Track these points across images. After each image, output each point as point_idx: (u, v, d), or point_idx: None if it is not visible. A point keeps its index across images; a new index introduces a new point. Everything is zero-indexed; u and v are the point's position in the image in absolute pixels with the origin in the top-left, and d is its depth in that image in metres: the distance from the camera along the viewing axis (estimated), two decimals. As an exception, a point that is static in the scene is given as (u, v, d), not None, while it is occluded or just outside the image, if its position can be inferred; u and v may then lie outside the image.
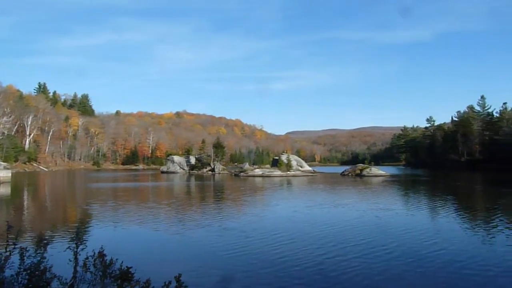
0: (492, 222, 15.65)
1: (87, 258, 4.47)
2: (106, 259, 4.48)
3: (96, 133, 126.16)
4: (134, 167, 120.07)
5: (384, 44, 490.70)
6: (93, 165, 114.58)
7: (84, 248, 4.55)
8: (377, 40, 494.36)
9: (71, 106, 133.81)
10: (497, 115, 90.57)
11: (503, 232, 13.36)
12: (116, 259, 4.26)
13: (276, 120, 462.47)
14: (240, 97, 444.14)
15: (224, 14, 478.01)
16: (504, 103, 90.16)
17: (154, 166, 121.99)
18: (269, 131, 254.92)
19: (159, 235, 13.53)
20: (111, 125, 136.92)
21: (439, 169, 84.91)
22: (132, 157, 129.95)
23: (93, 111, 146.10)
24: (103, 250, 4.52)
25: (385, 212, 18.65)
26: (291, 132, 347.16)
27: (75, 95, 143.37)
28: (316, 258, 9.93)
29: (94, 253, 4.53)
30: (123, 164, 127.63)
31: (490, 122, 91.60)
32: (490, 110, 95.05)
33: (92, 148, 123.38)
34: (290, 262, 9.67)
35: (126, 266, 4.12)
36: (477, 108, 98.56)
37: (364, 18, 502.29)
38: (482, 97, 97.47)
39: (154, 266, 9.26)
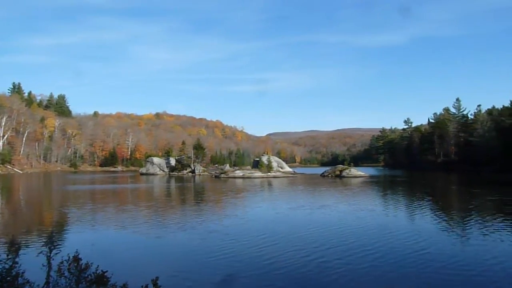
0: (468, 222, 16.05)
1: (61, 262, 4.36)
2: (82, 263, 4.37)
3: (73, 134, 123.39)
4: (112, 169, 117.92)
5: (363, 48, 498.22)
6: (70, 167, 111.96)
7: (58, 253, 4.43)
8: (355, 43, 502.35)
9: (47, 107, 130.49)
10: (472, 117, 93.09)
11: (478, 232, 13.69)
12: (91, 263, 4.16)
13: (256, 121, 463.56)
14: (220, 98, 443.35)
15: (203, 15, 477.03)
16: (478, 106, 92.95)
17: (133, 168, 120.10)
18: (249, 133, 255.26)
19: (138, 238, 13.28)
20: (88, 126, 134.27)
21: (416, 170, 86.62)
22: (110, 159, 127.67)
23: (70, 112, 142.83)
24: (78, 254, 4.41)
25: (366, 213, 18.87)
26: (271, 133, 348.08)
27: (51, 96, 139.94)
28: (300, 260, 9.90)
29: (69, 257, 4.41)
30: (101, 166, 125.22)
31: (465, 124, 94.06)
32: (465, 112, 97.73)
33: (69, 150, 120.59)
34: (274, 265, 9.62)
35: (102, 270, 4.03)
36: (453, 110, 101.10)
37: (343, 22, 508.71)
38: (457, 99, 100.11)
39: (132, 269, 9.11)
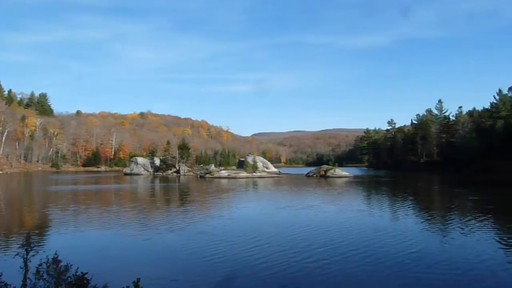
0: (451, 222, 16.34)
1: (40, 264, 4.24)
2: (61, 265, 4.26)
3: (55, 133, 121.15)
4: (95, 169, 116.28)
5: (347, 49, 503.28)
6: (51, 167, 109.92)
7: (35, 254, 4.31)
8: (340, 44, 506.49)
9: (28, 106, 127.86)
10: (453, 118, 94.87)
11: (461, 232, 13.92)
12: (71, 265, 4.06)
13: (242, 121, 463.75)
14: (205, 98, 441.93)
15: (188, 15, 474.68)
16: (460, 107, 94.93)
17: (117, 168, 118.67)
18: (235, 133, 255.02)
19: (122, 239, 13.09)
20: (71, 126, 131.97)
21: (400, 170, 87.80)
22: (93, 159, 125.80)
23: (51, 111, 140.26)
24: (57, 256, 4.30)
25: (351, 213, 19.02)
26: (257, 133, 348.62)
27: (32, 94, 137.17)
28: (290, 261, 9.83)
29: (48, 259, 4.30)
30: (84, 166, 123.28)
31: (446, 125, 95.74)
32: (446, 114, 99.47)
33: (51, 150, 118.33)
34: (264, 265, 9.56)
35: (81, 272, 3.93)
36: (435, 111, 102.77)
37: (327, 23, 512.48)
38: (440, 101, 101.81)
39: (114, 271, 8.96)
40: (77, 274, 3.96)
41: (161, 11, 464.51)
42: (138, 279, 3.77)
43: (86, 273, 3.94)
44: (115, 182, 53.79)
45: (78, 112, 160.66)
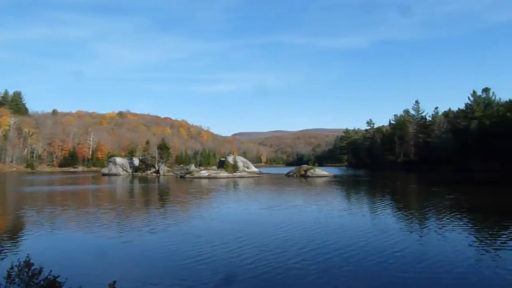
0: (430, 221, 16.65)
1: (11, 268, 4.08)
2: (34, 269, 4.11)
3: (30, 133, 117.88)
4: (72, 170, 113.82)
5: (327, 50, 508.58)
6: (26, 167, 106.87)
7: (4, 258, 4.14)
8: (320, 45, 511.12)
9: (1, 104, 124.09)
10: (430, 119, 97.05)
11: (439, 231, 14.19)
12: (42, 268, 3.90)
13: (222, 121, 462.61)
14: (185, 98, 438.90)
15: (168, 14, 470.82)
16: (436, 108, 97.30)
17: (95, 168, 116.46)
18: (215, 132, 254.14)
19: (99, 241, 12.76)
20: (47, 125, 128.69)
21: (378, 169, 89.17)
22: (70, 159, 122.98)
23: (26, 109, 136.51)
24: (30, 259, 4.14)
25: (334, 213, 19.08)
26: (237, 133, 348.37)
27: (6, 92, 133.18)
28: (278, 262, 9.70)
29: (20, 262, 4.14)
30: (60, 166, 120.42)
31: (423, 125, 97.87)
32: (423, 114, 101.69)
33: (26, 150, 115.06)
34: (251, 266, 9.46)
35: (53, 275, 3.78)
36: (412, 112, 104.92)
37: (307, 24, 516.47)
38: (417, 102, 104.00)
39: (89, 274, 8.72)
40: (49, 277, 3.81)
41: (142, 10, 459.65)
42: (114, 282, 3.66)
43: (58, 276, 3.80)
44: (93, 183, 52.76)
45: (54, 111, 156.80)
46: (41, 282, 3.77)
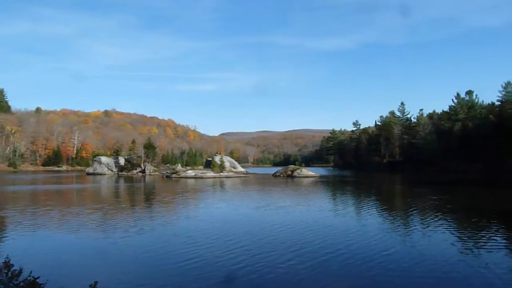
0: (416, 221, 16.88)
1: (-10, 269, 3.98)
2: (14, 270, 4.02)
3: (13, 131, 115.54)
4: (56, 169, 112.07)
5: (314, 51, 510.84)
6: (8, 166, 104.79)
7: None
8: (307, 46, 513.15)
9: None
10: (415, 120, 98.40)
11: (423, 232, 14.40)
12: (22, 269, 3.83)
13: (209, 121, 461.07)
14: (171, 97, 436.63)
15: (154, 12, 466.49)
16: (421, 110, 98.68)
17: (79, 168, 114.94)
18: (202, 132, 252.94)
19: (83, 242, 12.54)
20: (30, 123, 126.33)
21: (364, 170, 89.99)
22: (54, 158, 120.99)
23: (9, 107, 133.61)
24: (9, 260, 4.05)
25: (322, 214, 19.15)
26: (224, 133, 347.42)
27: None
28: (270, 263, 9.64)
29: (-1, 263, 4.05)
30: (44, 165, 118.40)
31: (408, 126, 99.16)
32: (408, 116, 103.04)
33: (8, 148, 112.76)
34: (240, 265, 9.42)
35: (33, 277, 3.72)
36: (398, 113, 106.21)
37: (294, 25, 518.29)
38: (402, 103, 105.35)
39: (71, 275, 8.58)
40: (29, 278, 3.74)
41: (128, 7, 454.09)
42: (96, 282, 3.61)
43: (38, 277, 3.73)
44: (77, 182, 52.04)
45: (38, 109, 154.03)
46: (21, 284, 3.70)
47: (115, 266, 9.78)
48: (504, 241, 12.09)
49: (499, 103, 72.46)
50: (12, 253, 4.39)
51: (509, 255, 10.42)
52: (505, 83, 74.59)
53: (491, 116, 70.29)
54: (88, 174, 75.79)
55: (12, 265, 4.06)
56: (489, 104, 77.84)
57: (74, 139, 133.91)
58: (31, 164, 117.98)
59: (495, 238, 12.45)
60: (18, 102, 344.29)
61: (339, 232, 13.74)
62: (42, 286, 3.68)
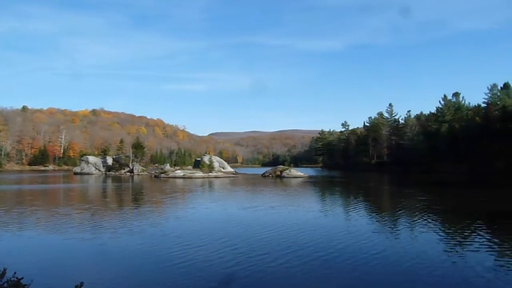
0: (406, 222, 17.06)
1: (-27, 270, 3.91)
2: (-3, 270, 3.96)
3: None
4: (43, 168, 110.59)
5: (303, 52, 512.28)
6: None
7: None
8: (296, 47, 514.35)
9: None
10: (403, 121, 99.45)
11: (410, 232, 14.56)
12: (6, 269, 3.77)
13: (199, 121, 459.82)
14: (161, 96, 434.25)
15: (143, 11, 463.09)
16: (408, 111, 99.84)
17: (66, 167, 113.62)
18: (191, 132, 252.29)
19: (69, 242, 12.32)
20: (16, 122, 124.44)
21: (352, 171, 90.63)
22: (41, 157, 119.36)
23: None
24: (-8, 260, 3.99)
25: (313, 214, 19.23)
26: (214, 133, 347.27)
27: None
28: (257, 263, 9.65)
29: (-19, 263, 3.98)
30: (30, 164, 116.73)
31: (396, 128, 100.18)
32: (397, 117, 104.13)
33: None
34: (221, 266, 9.38)
35: (17, 277, 3.66)
36: (386, 114, 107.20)
37: (283, 26, 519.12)
38: (390, 104, 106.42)
39: (57, 276, 8.46)
40: (13, 279, 3.68)
41: (116, 6, 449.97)
42: (82, 283, 3.58)
43: (22, 278, 3.68)
44: (64, 182, 51.42)
45: (24, 108, 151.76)
46: (5, 284, 3.64)
47: (102, 267, 9.67)
48: (488, 241, 12.28)
49: (485, 105, 73.65)
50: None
51: (493, 255, 10.60)
52: (491, 85, 75.96)
53: (477, 118, 71.43)
54: (75, 173, 74.97)
55: (-4, 266, 4.00)
56: (475, 106, 79.06)
57: (61, 138, 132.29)
58: (17, 163, 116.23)
59: (480, 238, 12.64)
60: (4, 101, 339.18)
61: (329, 233, 13.76)
62: (26, 286, 3.63)
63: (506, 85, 74.78)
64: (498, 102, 70.40)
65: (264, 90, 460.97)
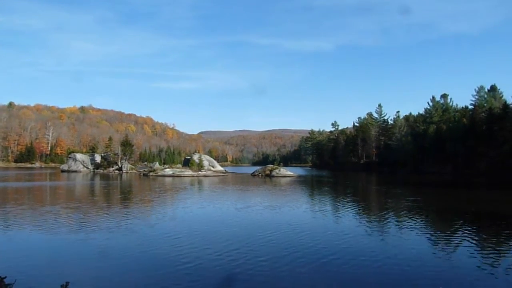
0: (388, 222, 17.19)
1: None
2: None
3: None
4: (29, 165, 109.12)
5: (292, 51, 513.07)
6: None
7: None
8: (285, 47, 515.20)
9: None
10: (392, 122, 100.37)
11: (398, 232, 14.70)
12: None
13: (188, 119, 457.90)
14: (150, 94, 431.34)
15: (133, 7, 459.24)
16: (397, 112, 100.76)
17: (53, 165, 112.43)
18: (181, 130, 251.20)
19: (56, 241, 12.17)
20: (2, 118, 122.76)
21: (341, 170, 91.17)
22: (27, 154, 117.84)
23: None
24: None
25: (301, 214, 19.40)
26: (203, 132, 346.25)
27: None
28: (248, 263, 9.67)
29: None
30: (16, 162, 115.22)
31: (385, 128, 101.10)
32: (386, 118, 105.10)
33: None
34: (211, 266, 9.38)
35: (0, 276, 3.64)
36: (375, 115, 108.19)
37: (273, 25, 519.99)
38: (379, 105, 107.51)
39: (42, 275, 8.36)
40: (-5, 278, 3.66)
41: (105, 2, 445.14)
42: (67, 283, 3.56)
43: (5, 277, 3.65)
44: (51, 179, 50.79)
45: (11, 104, 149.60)
46: (-14, 284, 3.62)
47: (88, 266, 9.55)
48: (473, 240, 12.49)
49: (472, 107, 74.75)
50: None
51: (478, 254, 10.78)
52: (478, 87, 77.20)
53: (464, 120, 72.45)
54: (63, 171, 74.15)
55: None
56: (462, 107, 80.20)
57: (49, 135, 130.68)
58: (2, 160, 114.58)
59: (465, 237, 12.85)
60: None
61: (314, 232, 13.86)
62: (9, 286, 3.61)
63: (493, 87, 76.07)
64: (485, 104, 71.54)
65: (254, 89, 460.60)
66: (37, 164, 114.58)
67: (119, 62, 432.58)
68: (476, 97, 76.79)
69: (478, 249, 11.45)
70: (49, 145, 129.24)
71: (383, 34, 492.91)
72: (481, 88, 76.64)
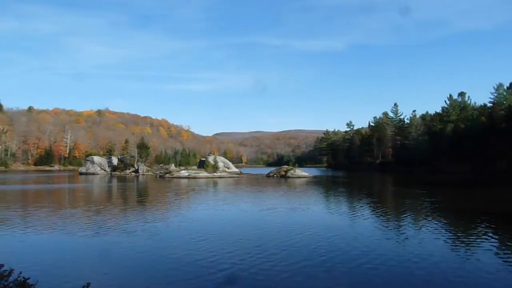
0: (406, 223, 16.98)
1: (-20, 270, 3.96)
2: (4, 270, 4.01)
3: (4, 130, 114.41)
4: (48, 168, 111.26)
5: (303, 52, 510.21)
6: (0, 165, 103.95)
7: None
8: (297, 47, 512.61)
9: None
10: (408, 121, 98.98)
11: (415, 232, 14.52)
12: (12, 269, 3.81)
13: (203, 121, 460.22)
14: (164, 96, 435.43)
15: (144, 10, 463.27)
16: (414, 111, 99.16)
17: (71, 167, 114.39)
18: (196, 132, 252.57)
19: (75, 243, 12.39)
20: (21, 122, 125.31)
21: (356, 171, 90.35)
22: (46, 157, 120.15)
23: (0, 106, 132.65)
24: (-2, 260, 4.04)
25: (316, 214, 19.32)
26: (218, 133, 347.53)
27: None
28: (260, 263, 9.66)
29: (-13, 264, 4.03)
30: (35, 164, 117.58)
31: (401, 127, 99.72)
32: (402, 117, 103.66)
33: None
34: (227, 267, 9.40)
35: (23, 277, 3.70)
36: (391, 114, 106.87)
37: (284, 26, 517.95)
38: (395, 104, 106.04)
39: (63, 276, 8.49)
40: (19, 279, 3.73)
41: (118, 5, 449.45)
42: (88, 284, 3.61)
43: (29, 278, 3.72)
44: (70, 182, 51.68)
45: (30, 108, 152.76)
46: (11, 284, 3.68)
47: (108, 267, 9.70)
48: (494, 241, 12.22)
49: (491, 104, 73.19)
50: (2, 253, 4.33)
51: (499, 255, 10.54)
52: (497, 85, 75.47)
53: (482, 118, 70.96)
54: (81, 173, 75.35)
55: (2, 265, 4.05)
56: (481, 105, 78.55)
57: (67, 138, 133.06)
58: (23, 163, 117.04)
59: (484, 238, 12.58)
60: (9, 101, 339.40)
61: (330, 233, 13.75)
62: (32, 286, 3.67)
63: (512, 85, 74.31)
64: (504, 102, 69.98)
65: (266, 90, 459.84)
66: (56, 167, 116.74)
67: (132, 64, 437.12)
68: (495, 94, 75.12)
69: (498, 250, 11.20)
70: (68, 148, 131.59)
71: (395, 32, 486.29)
72: (500, 85, 74.95)
